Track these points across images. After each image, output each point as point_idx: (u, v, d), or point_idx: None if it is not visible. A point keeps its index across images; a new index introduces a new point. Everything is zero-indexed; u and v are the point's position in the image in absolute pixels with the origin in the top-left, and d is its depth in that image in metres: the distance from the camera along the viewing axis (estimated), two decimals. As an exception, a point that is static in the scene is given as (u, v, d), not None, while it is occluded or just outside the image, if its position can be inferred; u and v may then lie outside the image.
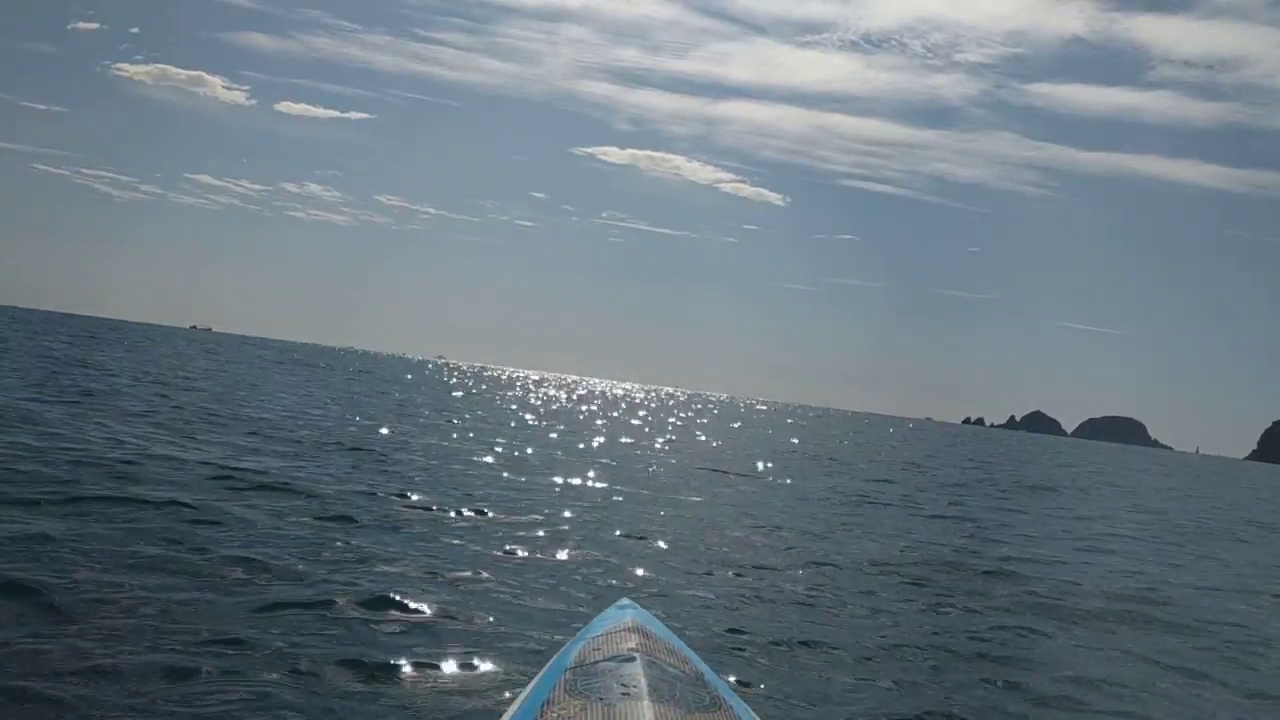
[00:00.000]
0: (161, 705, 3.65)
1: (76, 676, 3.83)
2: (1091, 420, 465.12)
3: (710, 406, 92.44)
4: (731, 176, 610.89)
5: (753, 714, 2.27)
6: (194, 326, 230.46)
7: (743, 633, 5.68)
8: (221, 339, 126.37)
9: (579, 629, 2.67)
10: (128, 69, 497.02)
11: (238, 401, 19.71)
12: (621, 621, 2.59)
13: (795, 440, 37.52)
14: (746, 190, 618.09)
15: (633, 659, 2.29)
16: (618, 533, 8.89)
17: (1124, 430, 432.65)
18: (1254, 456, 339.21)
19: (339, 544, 6.81)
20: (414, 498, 9.38)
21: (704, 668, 2.43)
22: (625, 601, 2.90)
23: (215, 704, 3.75)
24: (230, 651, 4.31)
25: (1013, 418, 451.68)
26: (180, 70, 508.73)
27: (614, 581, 6.71)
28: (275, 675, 4.14)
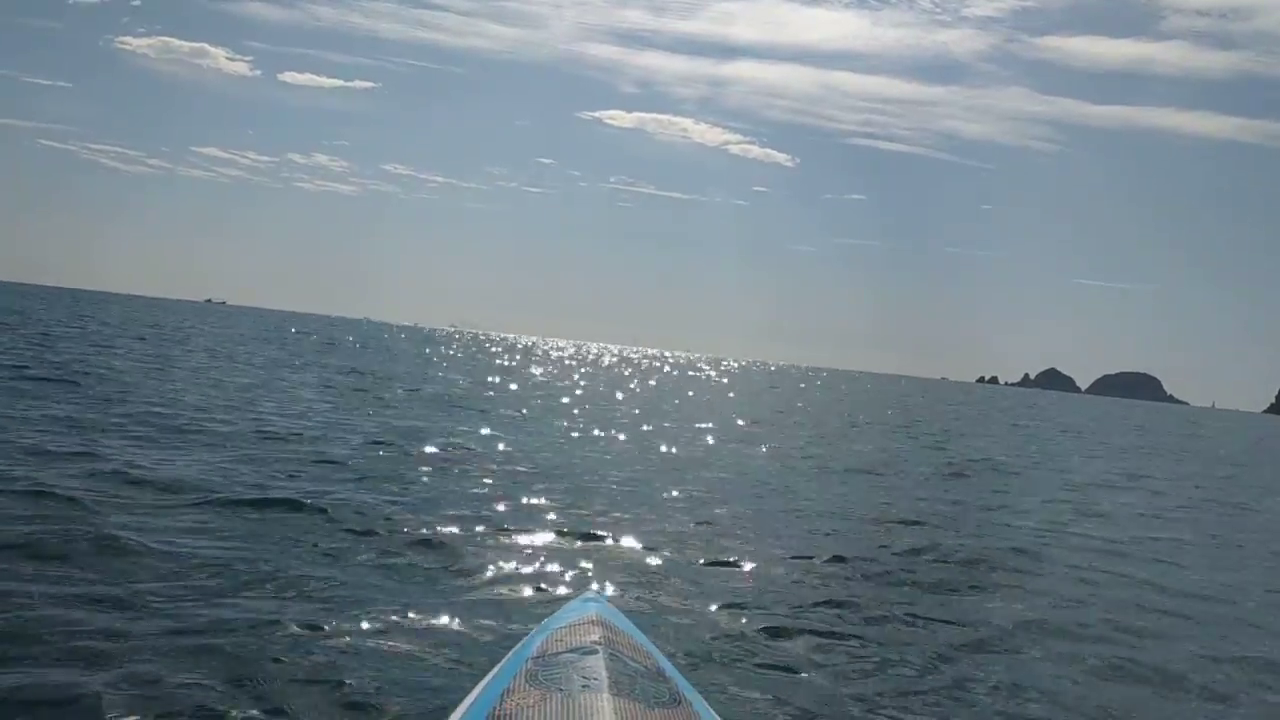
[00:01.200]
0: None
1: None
2: (1106, 377, 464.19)
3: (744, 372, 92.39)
4: (739, 138, 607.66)
5: (711, 711, 2.26)
6: (209, 300, 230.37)
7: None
8: (241, 312, 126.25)
9: (543, 620, 2.65)
10: (130, 42, 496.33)
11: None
12: (585, 614, 2.58)
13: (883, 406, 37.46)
14: (755, 152, 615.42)
15: (595, 651, 2.28)
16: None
17: (1139, 386, 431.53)
18: (1272, 410, 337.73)
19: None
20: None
21: (665, 663, 2.43)
22: (590, 594, 2.91)
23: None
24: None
25: (1027, 376, 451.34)
26: (183, 42, 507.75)
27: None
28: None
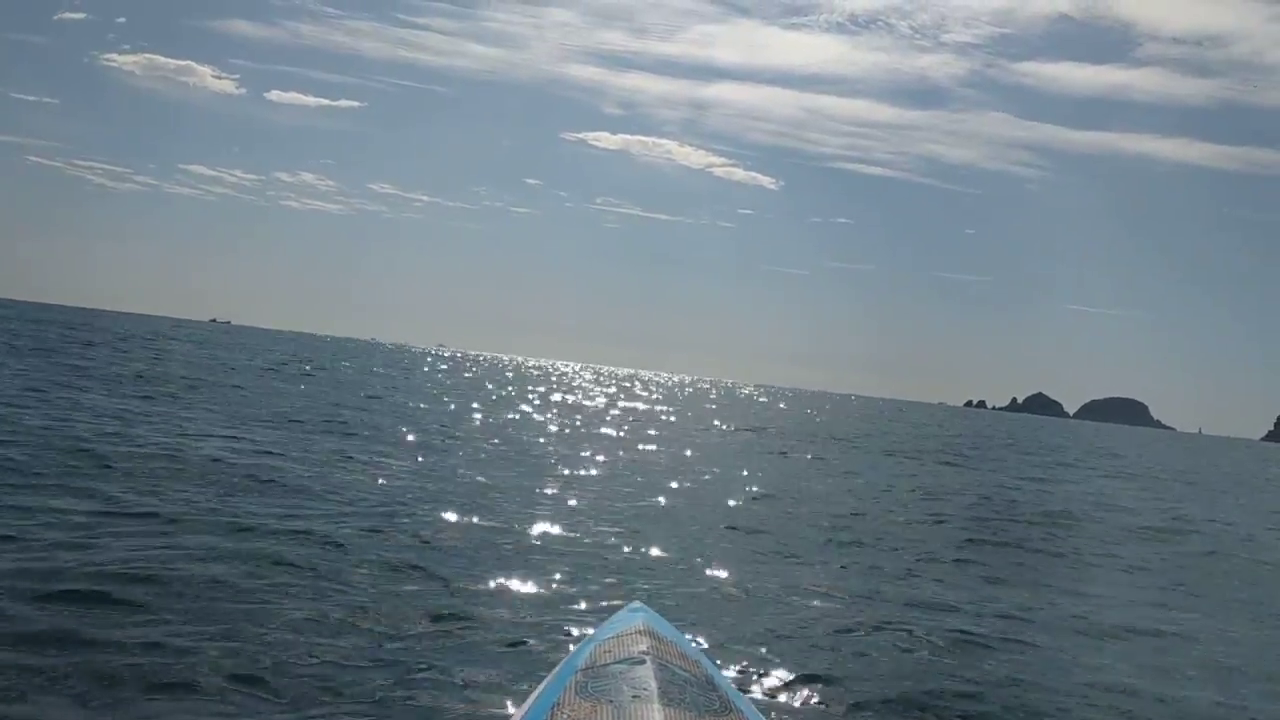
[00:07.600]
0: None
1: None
2: (1094, 402, 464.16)
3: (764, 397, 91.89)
4: (723, 160, 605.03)
5: (761, 718, 2.31)
6: (214, 320, 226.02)
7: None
8: (247, 332, 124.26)
9: (590, 631, 2.71)
10: (116, 59, 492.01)
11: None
12: (632, 624, 2.62)
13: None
14: (739, 174, 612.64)
15: (643, 661, 2.32)
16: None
17: (1126, 411, 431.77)
18: (1270, 438, 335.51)
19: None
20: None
21: (714, 671, 2.47)
22: (636, 604, 2.93)
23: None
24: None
25: (1014, 400, 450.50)
26: (169, 60, 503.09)
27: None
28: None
